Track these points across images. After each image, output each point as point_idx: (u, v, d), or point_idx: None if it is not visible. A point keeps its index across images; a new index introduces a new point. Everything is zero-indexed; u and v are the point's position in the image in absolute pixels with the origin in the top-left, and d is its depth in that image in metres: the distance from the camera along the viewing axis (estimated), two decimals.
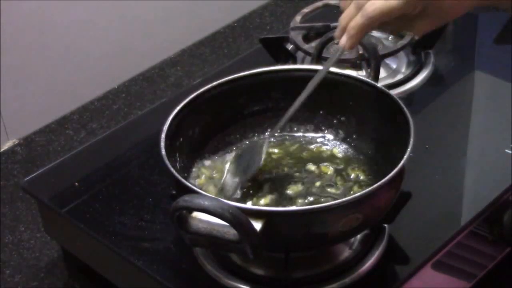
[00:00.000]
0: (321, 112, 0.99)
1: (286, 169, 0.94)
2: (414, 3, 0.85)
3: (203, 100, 0.95)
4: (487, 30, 1.25)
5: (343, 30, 0.88)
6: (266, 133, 0.99)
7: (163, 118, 0.91)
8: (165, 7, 1.38)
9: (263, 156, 0.91)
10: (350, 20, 0.87)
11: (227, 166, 0.94)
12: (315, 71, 0.98)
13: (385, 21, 0.86)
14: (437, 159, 1.02)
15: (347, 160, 0.95)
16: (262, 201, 0.89)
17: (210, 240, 0.79)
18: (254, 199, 0.90)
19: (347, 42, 0.88)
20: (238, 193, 0.89)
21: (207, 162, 0.95)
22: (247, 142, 0.98)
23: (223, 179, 0.92)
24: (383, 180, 0.82)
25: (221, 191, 0.90)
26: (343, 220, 0.81)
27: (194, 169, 0.94)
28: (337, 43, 0.91)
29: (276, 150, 0.97)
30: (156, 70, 1.37)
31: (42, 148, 1.23)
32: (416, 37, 1.13)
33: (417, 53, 1.19)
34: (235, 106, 0.98)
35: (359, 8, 0.86)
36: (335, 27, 1.18)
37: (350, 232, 0.85)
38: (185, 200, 0.77)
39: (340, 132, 0.98)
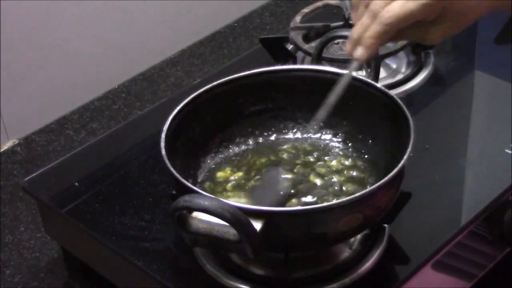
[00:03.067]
0: None
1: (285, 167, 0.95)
2: (433, 7, 0.82)
3: (203, 100, 0.95)
4: (487, 30, 1.25)
5: (356, 43, 0.84)
6: (272, 135, 0.99)
7: (163, 118, 0.91)
8: (165, 7, 1.38)
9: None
10: (365, 31, 0.83)
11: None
12: (315, 71, 0.98)
13: (401, 27, 0.83)
14: (437, 159, 1.02)
15: (345, 160, 0.95)
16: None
17: (210, 240, 0.79)
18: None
19: (364, 53, 0.84)
20: None
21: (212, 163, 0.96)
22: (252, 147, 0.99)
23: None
24: (383, 180, 0.82)
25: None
26: (343, 220, 0.81)
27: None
28: (339, 49, 0.88)
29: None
30: (156, 70, 1.37)
31: (42, 148, 1.23)
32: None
33: (417, 53, 1.19)
34: (235, 106, 0.98)
35: (374, 17, 0.82)
36: (335, 27, 1.20)
37: (350, 232, 0.85)
38: (185, 200, 0.77)
39: (340, 132, 0.98)
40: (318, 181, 0.92)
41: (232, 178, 0.94)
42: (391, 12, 0.82)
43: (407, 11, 0.82)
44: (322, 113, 0.88)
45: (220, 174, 0.94)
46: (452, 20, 0.85)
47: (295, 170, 0.94)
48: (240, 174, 0.94)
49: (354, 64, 0.87)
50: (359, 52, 0.84)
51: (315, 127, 0.93)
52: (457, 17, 0.86)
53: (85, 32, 1.30)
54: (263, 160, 0.96)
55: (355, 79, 0.96)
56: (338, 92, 0.88)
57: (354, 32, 0.85)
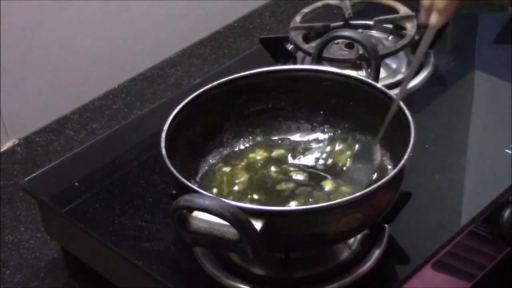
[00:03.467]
0: (321, 112, 0.99)
1: (284, 172, 0.94)
2: None
3: (203, 100, 0.95)
4: (487, 30, 1.25)
5: (429, 11, 0.85)
6: (272, 135, 0.99)
7: (163, 118, 0.91)
8: (165, 7, 1.38)
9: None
10: None
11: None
12: (315, 71, 0.98)
13: None
14: (437, 159, 1.02)
15: (346, 160, 0.95)
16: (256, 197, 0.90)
17: (210, 239, 0.79)
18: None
19: (438, 18, 0.84)
20: None
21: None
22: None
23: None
24: (383, 180, 0.82)
25: None
26: (343, 220, 0.81)
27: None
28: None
29: (275, 151, 0.97)
30: (156, 70, 1.37)
31: (42, 148, 1.23)
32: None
33: None
34: (235, 106, 0.98)
35: None
36: (335, 27, 1.20)
37: (350, 232, 0.86)
38: (186, 199, 0.77)
39: (340, 132, 0.98)
40: (317, 181, 0.92)
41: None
42: None
43: None
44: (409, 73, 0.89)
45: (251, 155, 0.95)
46: None
47: (292, 170, 0.94)
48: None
49: (430, 35, 0.87)
50: (434, 18, 0.85)
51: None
52: None
53: (85, 32, 1.30)
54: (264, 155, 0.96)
55: (355, 79, 0.96)
56: (423, 50, 0.88)
57: (423, 3, 0.86)
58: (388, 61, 1.17)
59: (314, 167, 0.95)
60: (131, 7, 1.33)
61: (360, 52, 1.11)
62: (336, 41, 1.14)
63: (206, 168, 0.95)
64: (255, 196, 0.91)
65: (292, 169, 0.94)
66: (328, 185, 0.91)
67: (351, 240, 0.91)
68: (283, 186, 0.91)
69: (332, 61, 1.12)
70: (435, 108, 1.11)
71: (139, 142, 1.09)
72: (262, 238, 0.78)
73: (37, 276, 1.04)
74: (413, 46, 1.17)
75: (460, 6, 0.87)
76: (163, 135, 0.88)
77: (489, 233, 0.99)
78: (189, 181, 0.86)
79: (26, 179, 1.04)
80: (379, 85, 0.95)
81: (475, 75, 1.17)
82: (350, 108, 0.97)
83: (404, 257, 0.91)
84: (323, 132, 0.99)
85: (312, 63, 1.07)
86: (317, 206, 0.82)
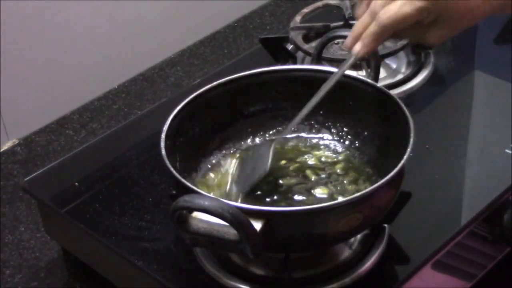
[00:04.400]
0: (321, 112, 0.99)
1: (284, 169, 0.94)
2: (428, 10, 0.84)
3: (203, 100, 0.95)
4: (487, 30, 1.25)
5: (356, 39, 0.87)
6: (271, 135, 0.98)
7: (163, 118, 0.91)
8: (165, 7, 1.38)
9: (269, 161, 0.90)
10: (364, 29, 0.86)
11: (231, 170, 0.94)
12: (315, 71, 0.98)
13: (399, 29, 0.85)
14: (437, 159, 1.02)
15: (346, 160, 0.95)
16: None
17: (210, 240, 0.79)
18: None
19: (361, 50, 0.87)
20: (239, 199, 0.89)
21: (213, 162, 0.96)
22: (251, 144, 0.98)
23: (227, 186, 0.92)
24: (383, 180, 0.82)
25: (226, 196, 0.90)
26: (343, 220, 0.81)
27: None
28: (346, 50, 0.90)
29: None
30: (156, 70, 1.37)
31: (42, 148, 1.23)
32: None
33: (417, 53, 1.18)
34: (235, 106, 0.98)
35: (373, 17, 0.85)
36: (335, 27, 1.20)
37: (350, 232, 0.86)
38: (185, 200, 0.77)
39: (340, 132, 0.98)
40: (316, 181, 0.92)
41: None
42: (388, 14, 0.84)
43: (403, 14, 0.84)
44: (303, 112, 0.90)
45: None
46: (450, 22, 0.86)
47: (292, 168, 0.94)
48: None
49: (350, 61, 0.89)
50: (357, 49, 0.88)
51: (292, 128, 0.94)
52: (455, 19, 0.86)
53: (85, 32, 1.30)
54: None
55: (355, 79, 0.96)
56: (326, 89, 0.90)
57: (354, 29, 0.88)
58: (388, 61, 1.17)
59: (312, 168, 0.94)
60: (131, 7, 1.33)
61: None
62: (336, 41, 1.14)
63: (207, 168, 0.95)
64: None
65: (290, 167, 0.94)
66: (322, 191, 0.91)
67: (351, 240, 0.91)
68: (285, 181, 0.91)
69: (332, 61, 1.12)
70: (435, 108, 1.11)
71: (139, 142, 1.09)
72: (262, 239, 0.78)
73: (37, 276, 1.04)
74: (413, 46, 1.17)
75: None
76: (163, 135, 0.88)
77: (489, 233, 0.99)
78: (189, 181, 0.86)
79: (26, 179, 1.04)
80: (379, 85, 0.95)
81: (475, 75, 1.17)
82: (350, 108, 0.97)
83: (404, 257, 0.91)
84: (323, 132, 0.99)
85: (312, 63, 1.07)
86: (317, 206, 0.82)
